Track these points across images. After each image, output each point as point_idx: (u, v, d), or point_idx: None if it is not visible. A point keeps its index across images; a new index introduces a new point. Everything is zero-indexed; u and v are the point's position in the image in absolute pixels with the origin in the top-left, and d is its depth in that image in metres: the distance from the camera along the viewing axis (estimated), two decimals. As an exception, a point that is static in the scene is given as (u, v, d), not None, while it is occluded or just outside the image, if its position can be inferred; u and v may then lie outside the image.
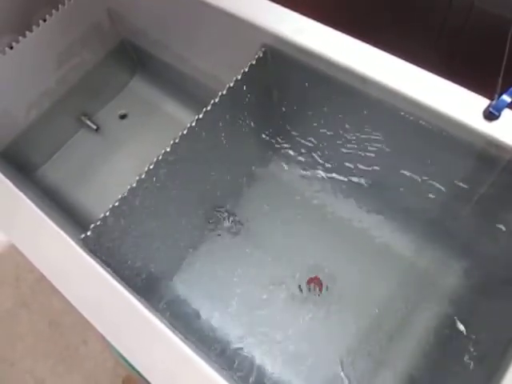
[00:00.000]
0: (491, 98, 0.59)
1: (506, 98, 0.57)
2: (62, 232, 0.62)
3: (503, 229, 0.68)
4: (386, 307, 0.80)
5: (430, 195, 0.75)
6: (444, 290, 0.79)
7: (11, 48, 0.85)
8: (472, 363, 0.66)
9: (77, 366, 1.11)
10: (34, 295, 1.19)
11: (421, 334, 0.77)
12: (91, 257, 0.60)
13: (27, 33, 0.86)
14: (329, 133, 0.82)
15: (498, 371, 0.52)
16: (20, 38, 0.85)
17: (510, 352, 0.54)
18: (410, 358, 0.76)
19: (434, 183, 0.72)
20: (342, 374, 0.76)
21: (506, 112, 0.58)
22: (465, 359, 0.68)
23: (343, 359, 0.77)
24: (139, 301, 0.57)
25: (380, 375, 0.76)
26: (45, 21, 0.87)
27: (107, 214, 0.65)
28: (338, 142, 0.81)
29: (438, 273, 0.81)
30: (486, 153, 0.60)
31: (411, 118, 0.64)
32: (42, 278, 0.60)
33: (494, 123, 0.58)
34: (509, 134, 0.57)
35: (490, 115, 0.58)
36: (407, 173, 0.75)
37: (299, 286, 0.84)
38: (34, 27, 0.86)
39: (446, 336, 0.76)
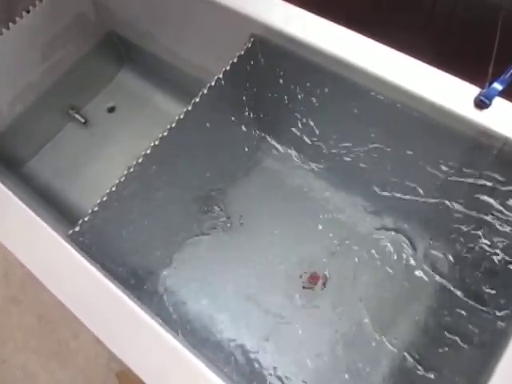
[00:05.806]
0: (482, 87, 0.59)
1: (496, 85, 0.57)
2: (49, 228, 0.61)
3: (493, 218, 0.68)
4: (380, 299, 0.80)
5: (421, 184, 0.75)
6: (434, 281, 0.80)
7: (-6, 40, 0.83)
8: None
9: (69, 361, 1.10)
10: (23, 290, 1.18)
11: (413, 321, 0.78)
12: (79, 253, 0.60)
13: (10, 24, 0.84)
14: (320, 123, 0.82)
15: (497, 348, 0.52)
16: (3, 30, 0.83)
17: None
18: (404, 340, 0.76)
19: (425, 172, 0.72)
20: (338, 364, 0.77)
21: (497, 100, 0.58)
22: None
23: (341, 350, 0.77)
24: (129, 297, 0.56)
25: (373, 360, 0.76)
26: (28, 12, 0.86)
27: (95, 209, 0.64)
28: (329, 131, 0.81)
29: (430, 264, 0.81)
30: (477, 141, 0.60)
31: (401, 106, 0.64)
32: (32, 272, 0.59)
33: (485, 111, 0.58)
34: (500, 122, 0.57)
35: (481, 103, 0.58)
36: (398, 162, 0.75)
37: (293, 280, 0.84)
38: (17, 19, 0.84)
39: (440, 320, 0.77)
